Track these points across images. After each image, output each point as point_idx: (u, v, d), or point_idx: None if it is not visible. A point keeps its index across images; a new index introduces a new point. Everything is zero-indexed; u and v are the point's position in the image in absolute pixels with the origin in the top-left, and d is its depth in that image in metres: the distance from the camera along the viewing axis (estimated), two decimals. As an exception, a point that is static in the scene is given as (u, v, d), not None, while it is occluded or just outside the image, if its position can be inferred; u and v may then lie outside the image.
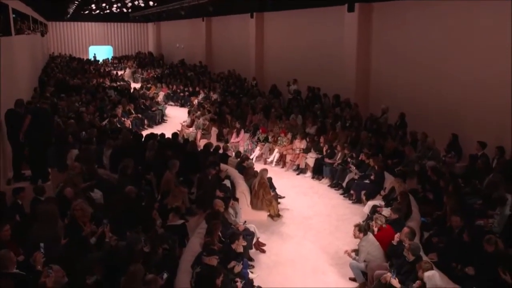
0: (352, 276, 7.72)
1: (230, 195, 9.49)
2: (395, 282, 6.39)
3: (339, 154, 12.37)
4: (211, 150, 11.87)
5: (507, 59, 10.87)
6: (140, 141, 12.47)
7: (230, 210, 8.76)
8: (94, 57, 39.98)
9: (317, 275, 7.96)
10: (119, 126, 15.57)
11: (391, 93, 14.69)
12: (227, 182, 10.38)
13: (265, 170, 10.47)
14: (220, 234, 7.61)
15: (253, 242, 8.54)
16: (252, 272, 7.79)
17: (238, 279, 6.53)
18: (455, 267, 6.67)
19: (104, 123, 15.61)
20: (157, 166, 10.37)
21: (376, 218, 7.92)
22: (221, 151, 12.34)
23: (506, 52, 10.88)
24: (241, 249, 7.24)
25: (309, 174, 12.96)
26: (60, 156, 10.68)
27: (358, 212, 10.31)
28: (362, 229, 7.65)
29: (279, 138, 14.18)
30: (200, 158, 11.12)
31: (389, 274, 6.58)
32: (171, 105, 23.77)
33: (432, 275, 5.79)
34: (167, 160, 9.95)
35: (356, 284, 7.54)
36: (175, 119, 20.14)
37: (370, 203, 9.86)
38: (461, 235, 7.03)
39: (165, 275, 5.92)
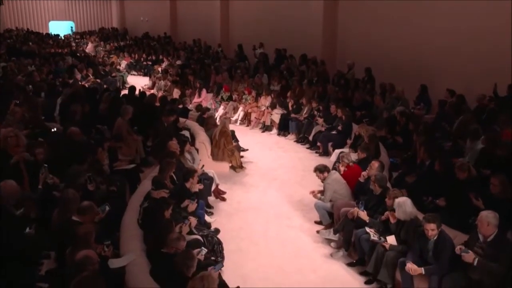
0: (318, 219, 7.26)
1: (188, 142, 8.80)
2: (363, 214, 5.93)
3: (306, 108, 11.85)
4: (169, 101, 11.13)
5: (475, 8, 10.64)
6: (93, 94, 11.59)
7: (187, 155, 8.05)
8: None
9: (280, 219, 7.47)
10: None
11: (358, 49, 14.20)
12: (186, 133, 9.71)
13: (227, 119, 9.85)
14: (174, 176, 6.95)
15: (212, 189, 7.93)
16: (211, 218, 7.22)
17: (191, 217, 5.87)
18: (426, 200, 6.25)
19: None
20: (111, 119, 9.59)
21: (343, 157, 7.44)
22: (180, 106, 11.62)
23: (474, 2, 10.60)
24: (195, 189, 6.61)
25: (274, 131, 12.38)
26: (2, 108, 9.76)
27: (325, 164, 9.79)
28: (323, 168, 7.14)
29: (243, 96, 13.54)
30: (157, 111, 10.37)
31: (356, 208, 6.11)
32: (134, 74, 22.68)
33: (403, 202, 5.31)
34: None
35: (322, 227, 7.06)
36: (136, 87, 19.06)
37: (337, 151, 9.38)
38: (431, 167, 6.59)
39: (106, 208, 5.22)
